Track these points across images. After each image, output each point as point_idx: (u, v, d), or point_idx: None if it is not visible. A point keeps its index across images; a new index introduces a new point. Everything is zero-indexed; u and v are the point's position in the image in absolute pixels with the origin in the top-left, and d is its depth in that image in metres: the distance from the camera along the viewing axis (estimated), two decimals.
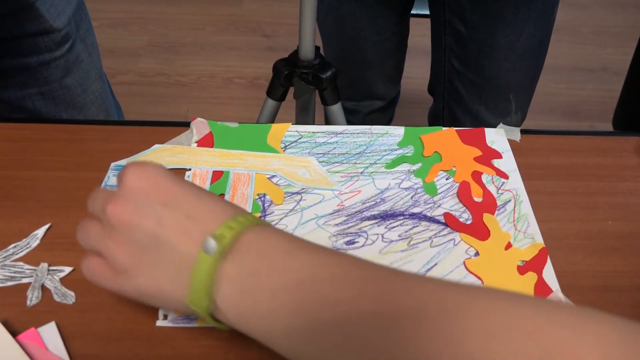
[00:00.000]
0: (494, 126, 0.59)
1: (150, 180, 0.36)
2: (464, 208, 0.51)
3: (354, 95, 1.12)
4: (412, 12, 1.03)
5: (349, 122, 1.10)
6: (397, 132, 0.59)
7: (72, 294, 0.43)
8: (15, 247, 0.46)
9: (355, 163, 0.55)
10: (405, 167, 0.55)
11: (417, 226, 0.50)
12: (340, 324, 0.31)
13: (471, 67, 0.92)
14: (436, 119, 1.06)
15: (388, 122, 1.24)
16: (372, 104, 1.15)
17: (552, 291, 0.45)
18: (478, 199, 0.52)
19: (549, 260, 0.47)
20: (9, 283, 0.44)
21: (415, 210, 0.51)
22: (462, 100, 0.96)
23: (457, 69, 0.94)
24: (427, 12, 0.99)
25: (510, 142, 0.58)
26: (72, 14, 0.72)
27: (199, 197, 0.37)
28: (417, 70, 1.67)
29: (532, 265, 0.47)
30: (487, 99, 0.94)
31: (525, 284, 0.46)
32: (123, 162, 0.54)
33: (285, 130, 0.58)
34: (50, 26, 0.69)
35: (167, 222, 0.35)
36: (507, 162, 0.56)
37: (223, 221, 0.35)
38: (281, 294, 0.33)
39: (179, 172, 0.53)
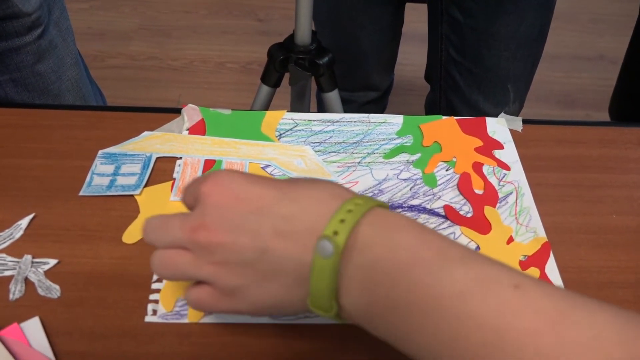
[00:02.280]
0: (491, 115, 0.57)
1: (230, 192, 0.33)
2: (465, 200, 0.50)
3: (349, 86, 1.10)
4: None
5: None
6: (395, 121, 0.57)
7: (57, 287, 0.42)
8: None
9: (353, 153, 0.53)
10: (404, 157, 0.53)
11: (416, 219, 0.48)
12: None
13: (469, 57, 0.90)
14: (433, 107, 1.04)
15: (381, 111, 1.23)
16: (367, 95, 1.13)
17: None
18: (479, 191, 0.51)
19: (551, 255, 0.46)
20: None
21: (414, 202, 0.49)
22: (459, 89, 0.94)
23: (454, 59, 0.92)
24: None
25: (512, 132, 0.56)
26: None
27: (288, 192, 0.33)
28: (412, 57, 1.65)
29: (535, 260, 0.46)
30: (485, 89, 0.92)
31: None
32: (110, 149, 0.52)
33: (280, 118, 0.56)
34: (19, 10, 0.65)
35: (265, 232, 0.32)
36: (509, 153, 0.54)
37: (330, 215, 0.31)
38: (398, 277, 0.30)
39: (169, 161, 0.51)
